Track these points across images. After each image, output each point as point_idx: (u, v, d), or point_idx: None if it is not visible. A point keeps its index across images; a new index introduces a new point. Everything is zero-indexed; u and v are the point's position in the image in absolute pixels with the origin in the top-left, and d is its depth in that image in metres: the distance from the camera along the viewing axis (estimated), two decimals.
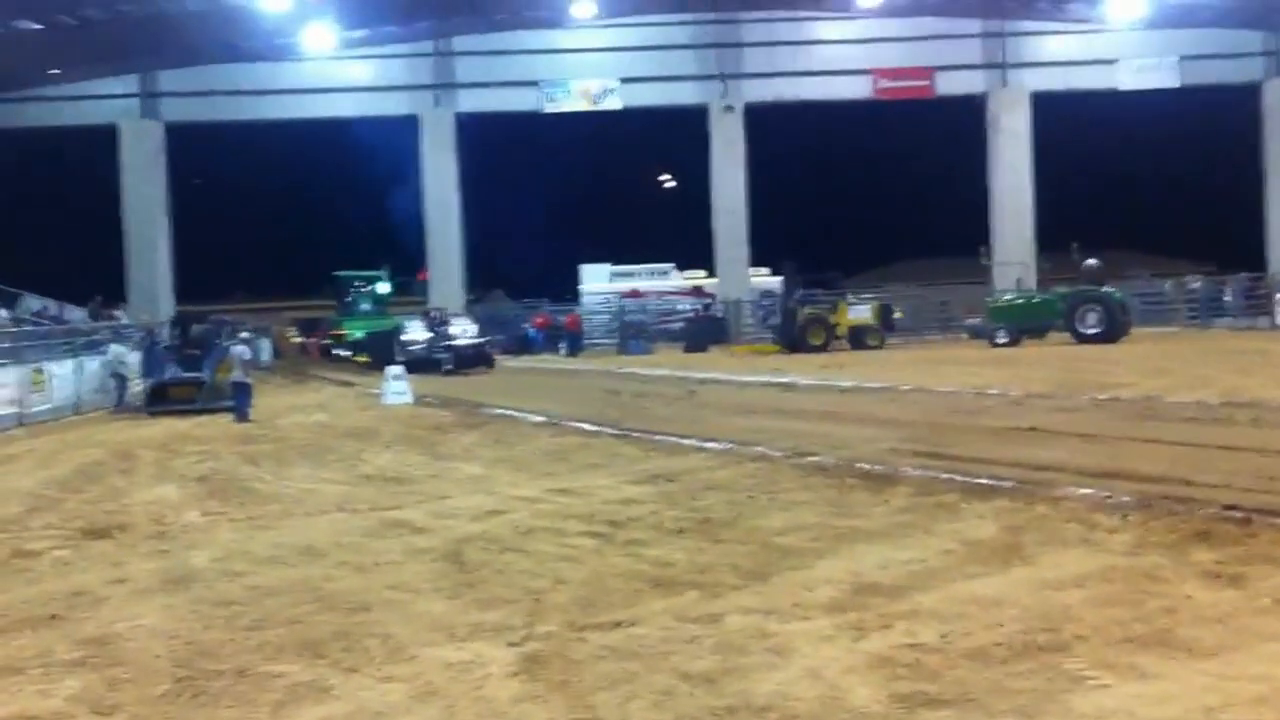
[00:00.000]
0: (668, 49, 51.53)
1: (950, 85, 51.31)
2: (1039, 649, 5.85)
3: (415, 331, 37.44)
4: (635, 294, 55.08)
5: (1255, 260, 50.00)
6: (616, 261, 58.06)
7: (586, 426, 18.09)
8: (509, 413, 21.15)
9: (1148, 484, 10.17)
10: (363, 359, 41.59)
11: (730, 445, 14.55)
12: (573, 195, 59.04)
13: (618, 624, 6.66)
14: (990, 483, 10.68)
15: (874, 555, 8.11)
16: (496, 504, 11.17)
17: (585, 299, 55.43)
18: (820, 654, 5.94)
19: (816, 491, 10.95)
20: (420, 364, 33.71)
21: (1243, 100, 50.45)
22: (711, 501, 10.67)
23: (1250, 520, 8.45)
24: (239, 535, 10.34)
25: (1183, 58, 49.91)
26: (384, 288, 50.11)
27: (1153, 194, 57.78)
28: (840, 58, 51.52)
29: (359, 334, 45.51)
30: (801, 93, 51.93)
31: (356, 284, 50.29)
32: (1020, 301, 40.12)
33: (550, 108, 52.11)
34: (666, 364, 35.72)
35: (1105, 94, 50.96)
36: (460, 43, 52.07)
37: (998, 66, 51.25)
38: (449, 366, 35.11)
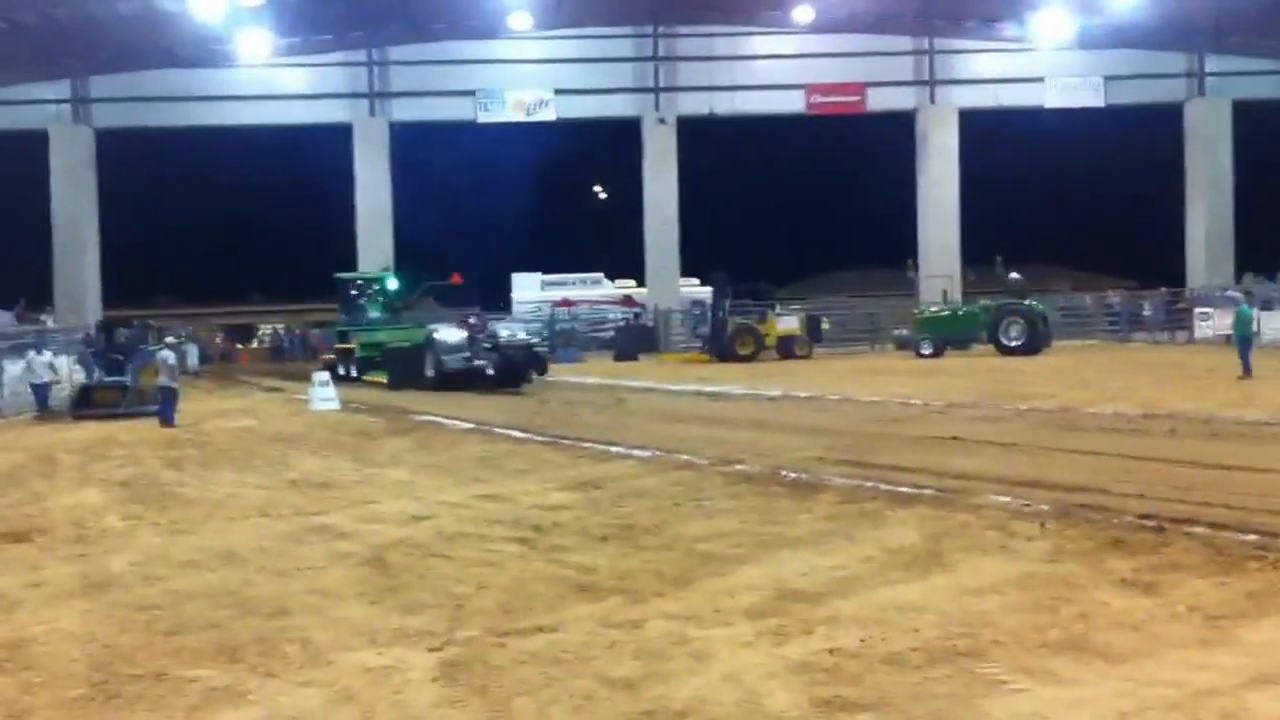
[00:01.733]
0: (603, 62, 51.69)
1: (881, 101, 51.91)
2: (957, 654, 5.92)
3: (449, 335, 30.23)
4: (566, 303, 55.07)
5: (1175, 276, 51.05)
6: (548, 270, 58.03)
7: (515, 433, 18.07)
8: (437, 419, 21.06)
9: (1066, 493, 10.36)
10: (377, 377, 32.82)
11: (657, 453, 14.59)
12: (506, 205, 58.99)
13: (539, 629, 6.66)
14: (912, 491, 10.81)
15: (797, 562, 8.16)
16: (422, 509, 11.11)
17: (517, 307, 55.33)
18: (740, 659, 5.97)
19: (742, 499, 11.00)
20: (458, 377, 28.50)
21: (1165, 120, 51.49)
22: (636, 508, 10.69)
23: (1164, 529, 8.64)
24: (160, 540, 10.21)
25: (1107, 78, 50.83)
26: (393, 284, 38.42)
27: (1076, 210, 58.87)
28: (774, 73, 51.92)
29: (368, 346, 34.99)
30: (735, 107, 52.33)
31: (358, 285, 38.63)
32: (945, 314, 40.64)
33: (485, 118, 52.11)
34: (596, 372, 35.73)
35: (1032, 112, 51.79)
36: (396, 52, 51.94)
37: (927, 84, 51.90)
38: (491, 372, 28.13)
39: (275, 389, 33.09)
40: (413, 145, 52.38)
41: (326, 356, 38.81)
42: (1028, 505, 9.82)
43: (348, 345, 36.20)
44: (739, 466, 13.05)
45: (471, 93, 51.55)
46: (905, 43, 51.54)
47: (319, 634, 6.78)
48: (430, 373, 29.04)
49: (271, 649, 6.48)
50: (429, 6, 49.92)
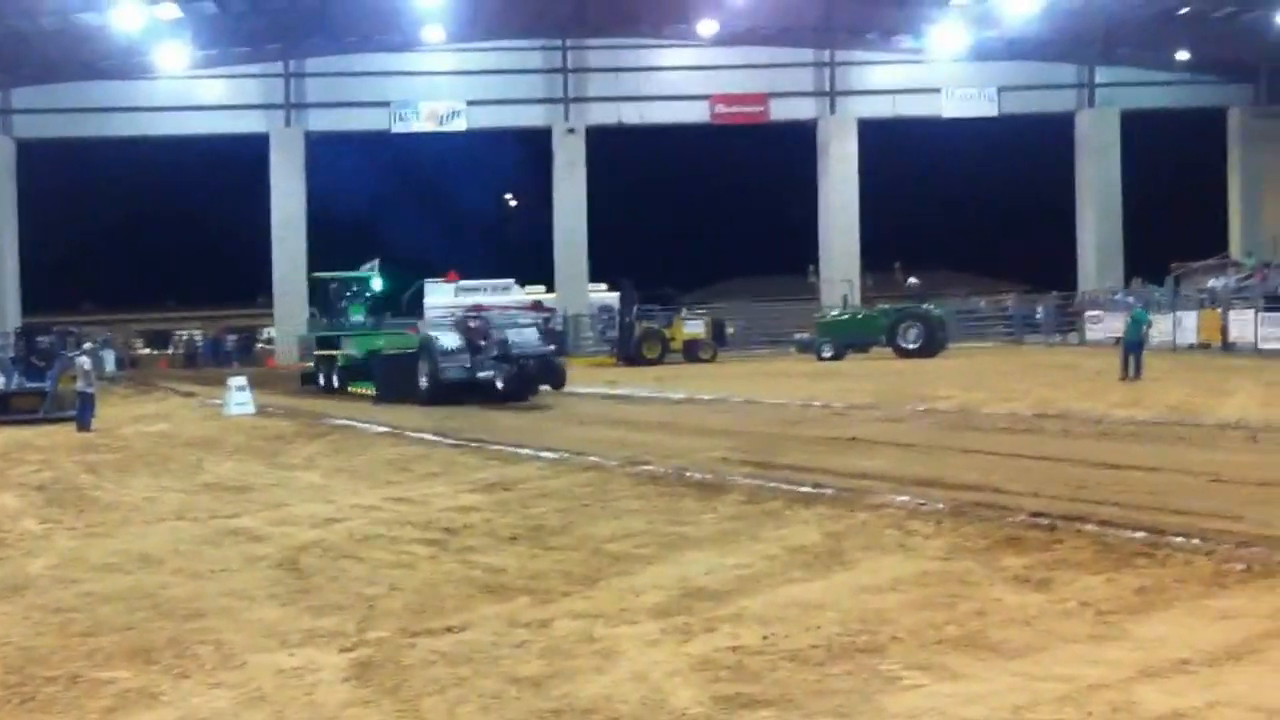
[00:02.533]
0: (514, 73, 52.19)
1: (783, 111, 52.68)
2: (856, 650, 6.05)
3: (449, 340, 25.76)
4: (478, 309, 54.91)
5: (1067, 281, 52.35)
6: (460, 277, 57.89)
7: (427, 436, 18.09)
8: (351, 423, 20.98)
9: (962, 492, 10.63)
10: (363, 389, 29.09)
11: (565, 455, 14.70)
12: (418, 213, 58.91)
13: (449, 629, 6.72)
14: (814, 491, 11.01)
15: (701, 561, 8.31)
16: (334, 512, 11.12)
17: (429, 314, 55.07)
18: (646, 657, 6.06)
19: (648, 500, 11.15)
20: (456, 388, 24.74)
21: (1057, 129, 52.76)
22: (545, 509, 10.79)
23: (1056, 527, 8.88)
24: (76, 543, 10.14)
25: (1001, 88, 52.00)
26: (378, 283, 34.63)
27: (973, 217, 60.06)
28: (680, 84, 52.51)
29: (356, 354, 30.88)
30: (642, 116, 52.97)
31: (339, 286, 34.35)
32: (846, 318, 41.31)
33: (399, 128, 52.36)
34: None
35: (929, 121, 52.79)
36: (313, 64, 52.09)
37: (828, 94, 52.78)
38: (500, 385, 24.23)
39: (191, 394, 32.58)
40: (328, 155, 52.33)
41: (304, 364, 35.73)
42: (925, 504, 10.04)
43: (329, 352, 32.47)
44: (646, 468, 13.20)
45: (386, 104, 51.86)
46: (806, 55, 52.42)
47: (232, 635, 6.78)
48: (424, 383, 25.29)
49: (185, 651, 6.48)
50: (345, 20, 49.95)
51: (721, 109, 52.66)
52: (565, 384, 25.98)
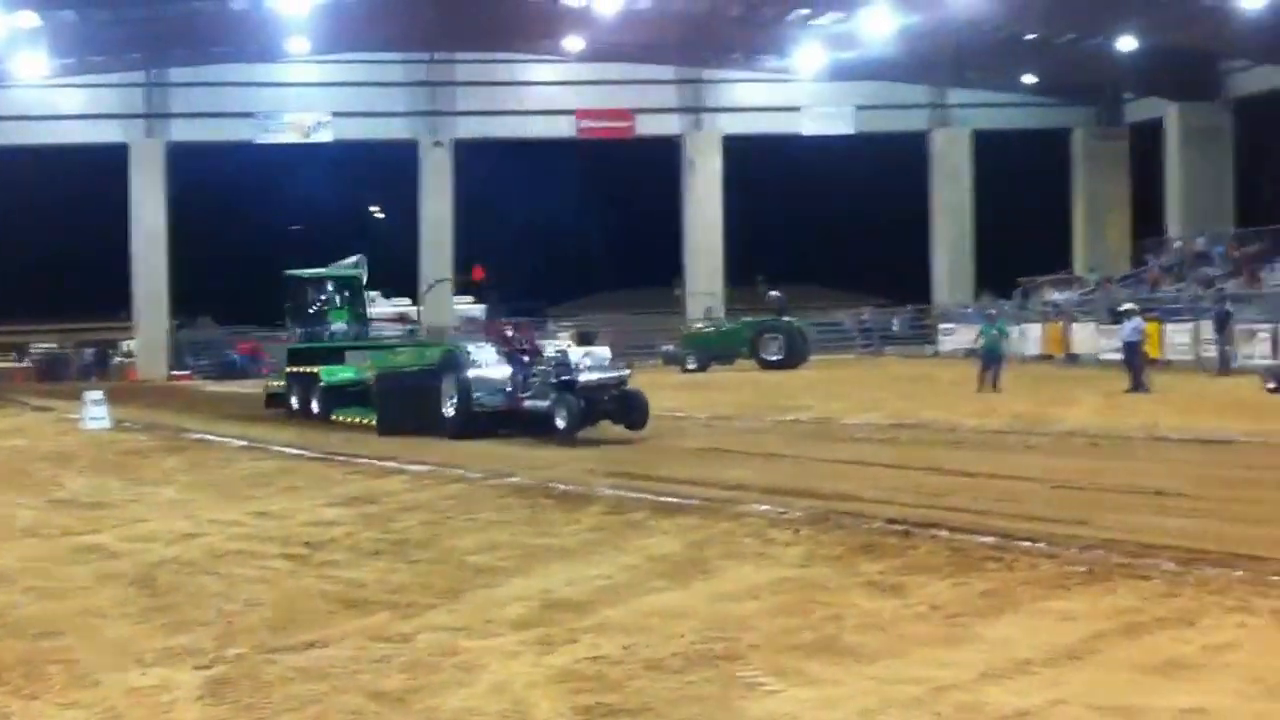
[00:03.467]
0: (381, 85, 51.74)
1: (649, 127, 53.13)
2: (715, 658, 6.14)
3: (484, 355, 19.30)
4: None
5: (922, 293, 53.68)
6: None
7: (289, 450, 17.80)
8: (210, 437, 20.53)
9: (821, 500, 10.86)
10: (357, 418, 22.06)
11: (431, 467, 14.63)
12: (282, 224, 57.96)
13: (309, 645, 6.64)
14: (677, 501, 11.18)
15: (564, 572, 8.36)
16: (193, 528, 10.88)
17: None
18: (507, 669, 6.08)
19: (512, 512, 11.18)
20: (494, 421, 18.78)
21: (912, 147, 54.11)
22: (409, 523, 10.73)
23: (910, 533, 9.16)
24: None
25: (859, 107, 53.14)
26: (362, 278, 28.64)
27: (833, 232, 61.08)
28: (546, 98, 52.56)
29: (347, 375, 23.75)
30: (510, 131, 52.96)
31: (315, 287, 27.78)
32: (710, 330, 41.88)
33: (264, 139, 51.44)
34: None
35: (790, 139, 53.71)
36: (177, 74, 51.01)
37: (693, 110, 53.41)
38: (562, 423, 17.15)
39: (46, 408, 31.48)
40: (191, 166, 51.22)
41: (273, 384, 27.88)
42: (785, 513, 10.24)
43: (306, 369, 25.00)
44: (511, 480, 13.23)
45: (251, 114, 50.86)
46: (671, 72, 52.88)
47: (86, 655, 6.62)
48: (450, 411, 19.14)
49: (36, 670, 6.31)
50: (208, 30, 48.89)
51: (588, 124, 52.86)
52: (648, 420, 17.71)
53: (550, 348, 19.12)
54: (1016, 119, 52.90)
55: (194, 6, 47.37)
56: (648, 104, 52.61)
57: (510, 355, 18.89)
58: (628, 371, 18.40)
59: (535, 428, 17.92)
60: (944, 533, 9.13)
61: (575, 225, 63.40)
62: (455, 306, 52.81)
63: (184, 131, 51.24)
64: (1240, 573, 7.57)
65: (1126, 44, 42.28)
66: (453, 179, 52.37)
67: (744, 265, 49.08)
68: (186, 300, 54.97)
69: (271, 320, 45.84)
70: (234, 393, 37.97)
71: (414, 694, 5.75)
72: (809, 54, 48.90)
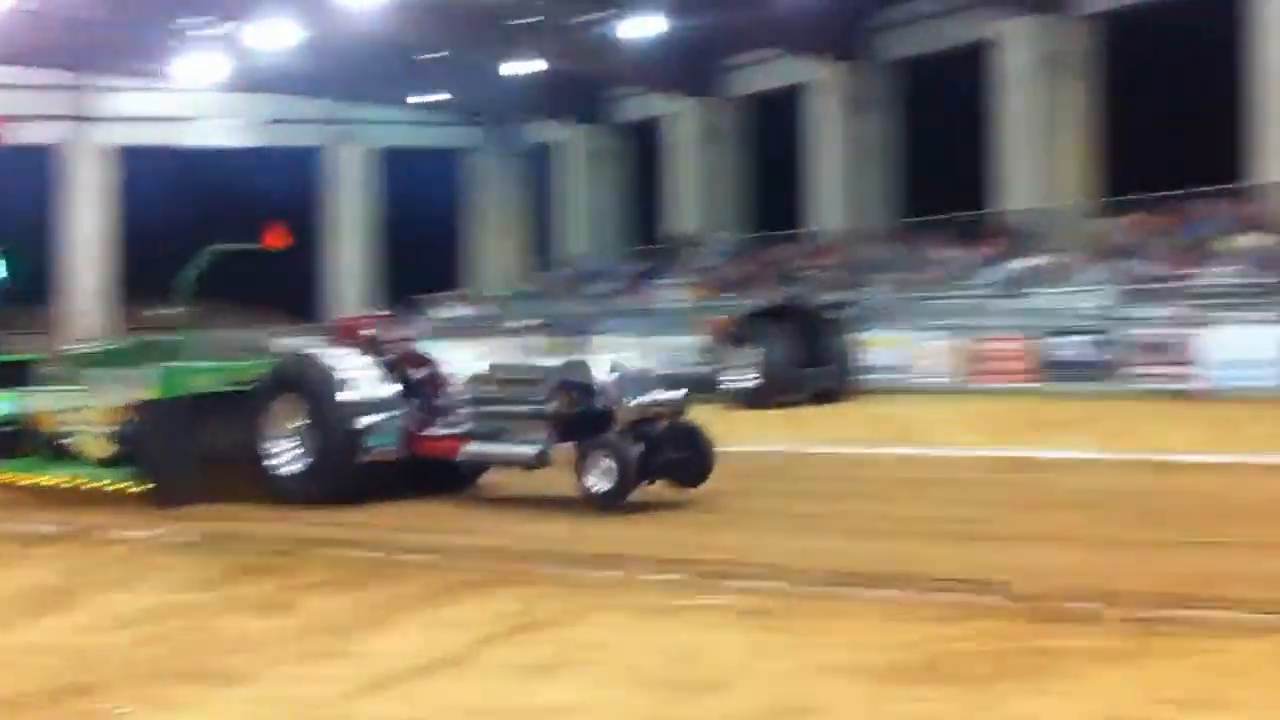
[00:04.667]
0: None
1: (25, 135, 49.01)
2: (75, 692, 5.85)
3: (360, 371, 11.73)
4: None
5: (330, 307, 53.26)
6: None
7: None
8: None
9: (209, 523, 10.59)
10: (114, 484, 11.93)
11: None
12: None
13: None
14: (55, 529, 10.60)
15: None
16: None
17: None
18: None
19: None
20: (390, 475, 11.63)
21: (312, 162, 53.95)
22: None
23: (294, 553, 9.18)
24: None
25: (261, 121, 52.28)
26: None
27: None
28: None
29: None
30: None
31: None
32: (97, 351, 39.95)
33: None
34: None
35: (190, 151, 51.61)
36: None
37: (77, 119, 50.25)
38: (608, 485, 10.33)
39: None
40: None
41: None
42: (166, 537, 10.02)
43: None
44: None
45: None
46: (56, 77, 49.42)
47: None
48: (299, 462, 11.59)
49: None
50: None
51: None
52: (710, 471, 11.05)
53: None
54: (416, 137, 54.41)
55: None
56: (25, 111, 48.69)
57: (391, 367, 11.95)
58: (684, 393, 11.36)
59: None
60: (332, 550, 9.23)
61: None
62: None
63: None
64: (619, 573, 8.11)
65: (522, 68, 44.19)
66: None
67: (142, 281, 46.54)
68: None
69: None
70: None
71: None
72: (207, 64, 47.49)
